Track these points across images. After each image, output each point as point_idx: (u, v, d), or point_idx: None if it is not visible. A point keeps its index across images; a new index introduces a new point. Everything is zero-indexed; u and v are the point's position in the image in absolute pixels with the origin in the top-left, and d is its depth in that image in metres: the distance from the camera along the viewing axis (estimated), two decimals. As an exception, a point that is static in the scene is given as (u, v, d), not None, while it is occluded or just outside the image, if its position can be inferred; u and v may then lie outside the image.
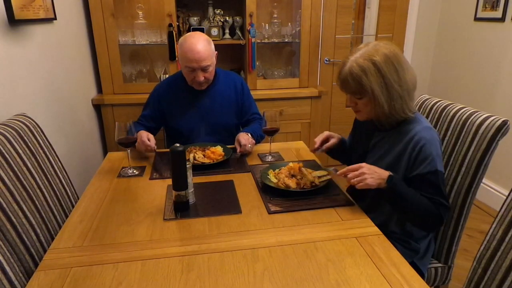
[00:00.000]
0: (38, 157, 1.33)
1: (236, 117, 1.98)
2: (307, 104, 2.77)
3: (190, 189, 1.30)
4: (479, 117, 1.31)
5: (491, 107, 2.77)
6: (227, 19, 2.72)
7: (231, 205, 1.31)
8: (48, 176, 1.36)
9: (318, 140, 1.55)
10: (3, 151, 1.15)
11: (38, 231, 1.18)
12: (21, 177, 1.19)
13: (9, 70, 1.48)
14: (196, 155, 1.64)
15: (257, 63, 2.81)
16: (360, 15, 3.40)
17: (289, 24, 2.85)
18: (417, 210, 1.20)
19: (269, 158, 1.71)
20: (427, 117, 1.55)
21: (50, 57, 1.85)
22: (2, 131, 1.19)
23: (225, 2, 2.79)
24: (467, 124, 1.35)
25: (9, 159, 1.16)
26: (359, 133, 1.52)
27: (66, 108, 2.00)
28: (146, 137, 1.67)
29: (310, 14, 2.68)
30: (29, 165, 1.25)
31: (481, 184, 1.32)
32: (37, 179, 1.28)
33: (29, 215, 1.16)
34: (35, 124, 1.40)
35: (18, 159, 1.21)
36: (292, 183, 1.37)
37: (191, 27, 2.70)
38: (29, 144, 1.30)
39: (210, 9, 2.72)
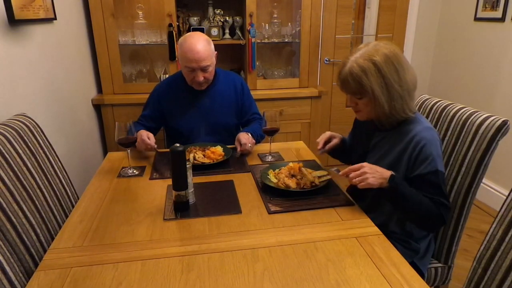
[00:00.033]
0: (38, 157, 1.33)
1: (236, 117, 1.98)
2: (307, 104, 2.77)
3: (190, 189, 1.30)
4: (479, 117, 1.31)
5: (491, 107, 2.77)
6: (227, 19, 2.72)
7: (231, 205, 1.31)
8: (48, 176, 1.36)
9: (321, 141, 1.54)
10: (3, 151, 1.15)
11: (38, 231, 1.18)
12: (21, 177, 1.19)
13: (9, 70, 1.48)
14: (196, 155, 1.64)
15: (257, 63, 2.81)
16: (360, 15, 3.40)
17: (289, 24, 2.85)
18: (418, 210, 1.20)
19: (269, 158, 1.71)
20: (427, 117, 1.55)
21: (50, 57, 1.85)
22: (2, 131, 1.19)
23: (225, 2, 2.79)
24: (467, 124, 1.35)
25: (9, 159, 1.16)
26: (359, 133, 1.52)
27: (66, 108, 2.00)
28: (146, 136, 1.67)
29: (310, 14, 2.68)
30: (29, 165, 1.25)
31: (481, 184, 1.32)
32: (37, 179, 1.28)
33: (29, 215, 1.16)
34: (35, 124, 1.40)
35: (18, 159, 1.21)
36: (292, 183, 1.37)
37: (191, 27, 2.70)
38: (29, 144, 1.30)
39: (210, 9, 2.72)
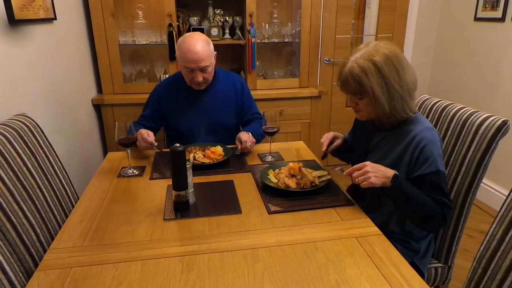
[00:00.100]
0: (38, 157, 1.33)
1: (236, 117, 1.98)
2: (307, 104, 2.77)
3: (190, 189, 1.30)
4: (479, 117, 1.31)
5: (491, 107, 2.77)
6: (227, 19, 2.72)
7: (231, 205, 1.31)
8: (48, 176, 1.36)
9: (325, 141, 1.53)
10: (3, 151, 1.15)
11: (38, 231, 1.18)
12: (21, 177, 1.19)
13: (9, 70, 1.48)
14: (196, 155, 1.64)
15: (257, 63, 2.81)
16: (360, 15, 3.40)
17: (289, 24, 2.85)
18: (421, 210, 1.19)
19: (269, 158, 1.71)
20: (427, 117, 1.55)
21: (50, 57, 1.85)
22: (2, 131, 1.19)
23: (225, 2, 2.79)
24: (467, 124, 1.35)
25: (9, 159, 1.16)
26: (359, 133, 1.52)
27: (66, 108, 2.00)
28: (146, 134, 1.67)
29: (310, 14, 2.68)
30: (29, 165, 1.25)
31: (481, 184, 1.32)
32: (37, 179, 1.28)
33: (29, 215, 1.16)
34: (35, 124, 1.40)
35: (18, 159, 1.21)
36: (292, 183, 1.37)
37: (191, 27, 2.70)
38: (29, 144, 1.30)
39: (210, 9, 2.72)
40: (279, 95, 2.70)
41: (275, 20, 2.82)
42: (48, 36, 1.83)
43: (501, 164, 2.70)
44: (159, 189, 1.43)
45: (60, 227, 1.29)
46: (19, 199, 1.14)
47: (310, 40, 2.74)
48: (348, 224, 1.19)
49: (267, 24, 2.79)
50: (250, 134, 1.76)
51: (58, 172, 1.45)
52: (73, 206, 1.43)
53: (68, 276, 0.97)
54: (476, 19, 2.87)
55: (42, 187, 1.29)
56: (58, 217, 1.34)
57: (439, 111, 1.50)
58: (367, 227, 1.17)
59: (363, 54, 1.22)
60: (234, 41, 2.75)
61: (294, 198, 1.33)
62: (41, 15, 1.69)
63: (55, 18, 1.84)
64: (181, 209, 1.27)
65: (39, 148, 1.37)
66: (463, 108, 1.41)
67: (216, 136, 1.91)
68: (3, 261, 0.97)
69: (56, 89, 1.90)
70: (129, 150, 1.58)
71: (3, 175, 1.10)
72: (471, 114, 1.35)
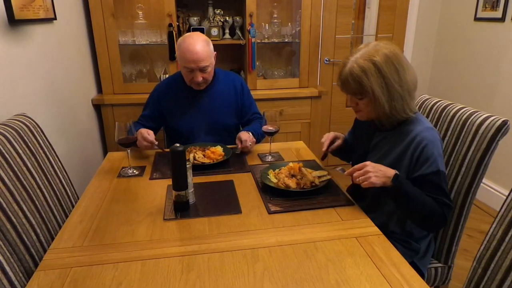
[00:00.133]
0: (38, 157, 1.33)
1: (235, 117, 1.98)
2: (307, 104, 2.77)
3: (190, 189, 1.30)
4: (479, 117, 1.31)
5: (491, 107, 2.77)
6: (227, 19, 2.72)
7: (231, 205, 1.31)
8: (48, 176, 1.36)
9: (326, 141, 1.53)
10: (3, 151, 1.15)
11: (38, 231, 1.18)
12: (21, 177, 1.19)
13: (9, 70, 1.48)
14: (196, 155, 1.64)
15: (257, 63, 2.81)
16: (360, 15, 3.40)
17: (289, 24, 2.85)
18: (422, 210, 1.19)
19: (269, 158, 1.71)
20: (427, 117, 1.55)
21: (50, 57, 1.85)
22: (2, 131, 1.19)
23: (225, 2, 2.79)
24: (467, 124, 1.35)
25: (9, 159, 1.16)
26: (359, 133, 1.52)
27: (66, 108, 2.00)
28: (146, 133, 1.67)
29: (310, 14, 2.68)
30: (29, 165, 1.25)
31: (481, 184, 1.32)
32: (37, 179, 1.28)
33: (29, 215, 1.16)
34: (35, 124, 1.40)
35: (18, 159, 1.21)
36: (292, 183, 1.37)
37: (191, 27, 2.70)
38: (29, 144, 1.30)
39: (210, 9, 2.72)
40: (279, 95, 2.70)
41: (275, 20, 2.82)
42: (48, 36, 1.83)
43: (501, 164, 2.70)
44: (159, 189, 1.43)
45: (60, 227, 1.29)
46: (19, 199, 1.14)
47: (310, 40, 2.74)
48: (348, 224, 1.19)
49: (267, 24, 2.79)
50: (251, 134, 1.76)
51: (58, 172, 1.45)
52: (73, 206, 1.43)
53: (68, 276, 0.97)
54: (476, 19, 2.87)
55: (42, 187, 1.29)
56: (58, 217, 1.34)
57: (439, 111, 1.50)
58: (367, 227, 1.17)
59: (363, 54, 1.22)
60: (234, 41, 2.76)
61: (294, 198, 1.33)
62: (41, 15, 1.69)
63: (55, 18, 1.84)
64: (181, 209, 1.27)
65: (39, 148, 1.37)
66: (463, 108, 1.41)
67: (216, 136, 1.92)
68: (3, 261, 0.97)
69: (56, 89, 1.90)
70: (129, 150, 1.58)
71: (3, 175, 1.10)
72: (471, 114, 1.35)
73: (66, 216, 1.36)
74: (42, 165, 1.34)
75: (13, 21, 1.47)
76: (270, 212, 1.26)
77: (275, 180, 1.42)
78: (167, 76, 2.49)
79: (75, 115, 2.13)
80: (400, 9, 3.23)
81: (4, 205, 1.06)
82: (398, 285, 0.93)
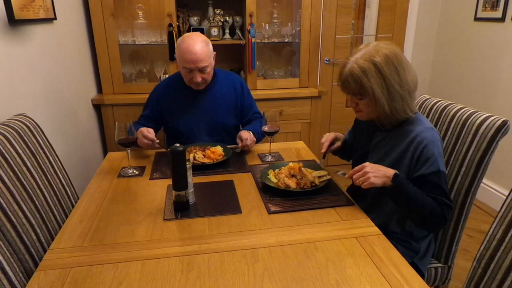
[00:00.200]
0: (38, 157, 1.33)
1: (235, 117, 1.98)
2: (307, 104, 2.77)
3: (190, 189, 1.30)
4: (479, 117, 1.31)
5: (491, 107, 2.77)
6: (227, 19, 2.72)
7: (231, 205, 1.31)
8: (48, 176, 1.36)
9: (326, 142, 1.53)
10: (3, 151, 1.15)
11: (38, 231, 1.18)
12: (21, 177, 1.19)
13: (9, 70, 1.48)
14: (196, 155, 1.64)
15: (257, 63, 2.81)
16: (360, 15, 3.40)
17: (289, 24, 2.85)
18: (422, 210, 1.19)
19: (269, 158, 1.71)
20: (427, 117, 1.55)
21: (50, 57, 1.85)
22: (2, 131, 1.19)
23: (225, 2, 2.79)
24: (467, 124, 1.35)
25: (9, 159, 1.16)
26: (360, 133, 1.52)
27: (66, 108, 2.00)
28: (146, 131, 1.67)
29: (310, 14, 2.68)
30: (29, 165, 1.25)
31: (481, 184, 1.32)
32: (37, 179, 1.28)
33: (29, 215, 1.16)
34: (35, 124, 1.40)
35: (18, 159, 1.21)
36: (292, 183, 1.37)
37: (191, 27, 2.70)
38: (29, 144, 1.30)
39: (210, 9, 2.72)
40: (279, 95, 2.70)
41: (275, 20, 2.82)
42: (48, 36, 1.83)
43: (501, 164, 2.70)
44: (159, 189, 1.43)
45: (60, 227, 1.29)
46: (19, 199, 1.14)
47: (310, 40, 2.74)
48: (348, 224, 1.19)
49: (267, 24, 2.79)
50: (251, 133, 1.76)
51: (58, 172, 1.45)
52: (73, 206, 1.43)
53: (68, 276, 0.97)
54: (476, 19, 2.87)
55: (42, 187, 1.29)
56: (58, 217, 1.34)
57: (439, 111, 1.50)
58: (367, 227, 1.17)
59: (364, 55, 1.22)
60: (234, 41, 2.76)
61: (294, 198, 1.33)
62: (41, 15, 1.69)
63: (55, 18, 1.84)
64: (181, 209, 1.27)
65: (39, 148, 1.37)
66: (463, 108, 1.41)
67: (215, 136, 1.92)
68: (3, 261, 0.97)
69: (56, 89, 1.90)
70: (129, 150, 1.58)
71: (3, 175, 1.10)
72: (471, 114, 1.35)
73: (66, 216, 1.36)
74: (42, 165, 1.34)
75: (13, 21, 1.47)
76: (270, 212, 1.26)
77: (275, 180, 1.42)
78: (167, 76, 2.49)
79: (75, 115, 2.13)
80: (400, 9, 3.23)
81: (4, 205, 1.06)
82: (398, 285, 0.93)
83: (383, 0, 3.19)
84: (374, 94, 1.21)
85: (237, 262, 1.01)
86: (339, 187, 1.43)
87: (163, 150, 1.78)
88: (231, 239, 1.12)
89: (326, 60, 3.25)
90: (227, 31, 2.78)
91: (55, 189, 1.38)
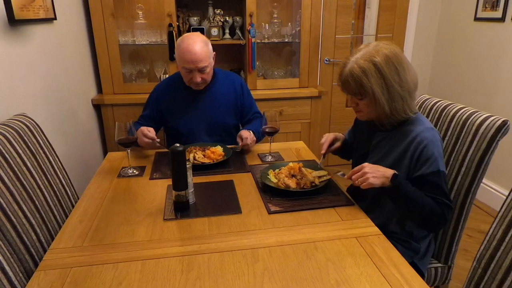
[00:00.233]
0: (38, 157, 1.33)
1: (235, 117, 1.98)
2: (307, 104, 2.77)
3: (190, 189, 1.30)
4: (479, 117, 1.31)
5: (491, 107, 2.77)
6: (227, 19, 2.72)
7: (231, 205, 1.31)
8: (48, 176, 1.36)
9: (325, 143, 1.53)
10: (3, 151, 1.15)
11: (38, 231, 1.18)
12: (21, 177, 1.19)
13: (9, 70, 1.48)
14: (196, 155, 1.64)
15: (257, 63, 2.81)
16: (360, 15, 3.40)
17: (289, 24, 2.85)
18: (422, 210, 1.19)
19: (269, 158, 1.71)
20: (427, 117, 1.55)
21: (50, 57, 1.85)
22: (2, 131, 1.19)
23: (225, 2, 2.79)
24: (467, 124, 1.35)
25: (9, 159, 1.16)
26: (360, 133, 1.52)
27: (66, 108, 2.00)
28: (147, 130, 1.67)
29: (310, 14, 2.68)
30: (29, 165, 1.25)
31: (481, 184, 1.32)
32: (37, 179, 1.28)
33: (29, 215, 1.16)
34: (35, 124, 1.40)
35: (18, 159, 1.21)
36: (292, 183, 1.37)
37: (191, 27, 2.70)
38: (29, 144, 1.30)
39: (210, 9, 2.72)
40: (279, 95, 2.70)
41: (275, 20, 2.82)
42: (48, 36, 1.83)
43: (501, 164, 2.70)
44: (159, 189, 1.43)
45: (60, 227, 1.29)
46: (19, 199, 1.14)
47: (310, 40, 2.74)
48: (348, 224, 1.19)
49: (267, 24, 2.79)
50: (251, 132, 1.76)
51: (58, 172, 1.45)
52: (73, 206, 1.43)
53: (68, 276, 0.97)
54: (476, 19, 2.87)
55: (42, 187, 1.29)
56: (58, 217, 1.34)
57: (439, 111, 1.50)
58: (367, 227, 1.17)
59: (364, 55, 1.22)
60: (234, 41, 2.76)
61: (294, 198, 1.33)
62: (41, 15, 1.69)
63: (55, 18, 1.84)
64: (181, 209, 1.27)
65: (39, 148, 1.37)
66: (463, 108, 1.41)
67: (215, 136, 1.92)
68: (3, 261, 0.97)
69: (56, 89, 1.90)
70: (129, 150, 1.58)
71: (3, 175, 1.10)
72: (471, 114, 1.35)
73: (66, 216, 1.36)
74: (42, 165, 1.34)
75: (13, 21, 1.47)
76: (270, 212, 1.26)
77: (275, 180, 1.42)
78: (167, 76, 2.49)
79: (75, 115, 2.13)
80: (400, 9, 3.23)
81: (4, 205, 1.06)
82: (398, 285, 0.93)
83: (383, 0, 3.19)
84: (374, 94, 1.21)
85: (237, 262, 1.01)
86: (339, 187, 1.43)
87: (164, 150, 1.78)
88: (231, 239, 1.12)
89: (326, 60, 3.25)
90: (227, 31, 2.78)
91: (55, 189, 1.38)
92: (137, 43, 2.60)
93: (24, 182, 1.19)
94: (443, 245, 1.42)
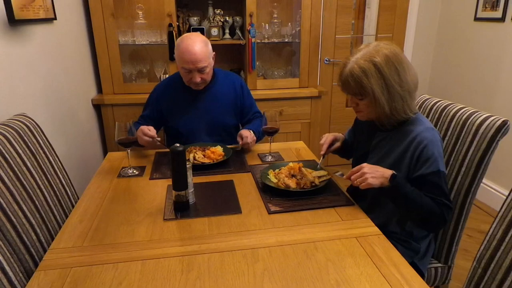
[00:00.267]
0: (38, 157, 1.33)
1: (235, 117, 1.98)
2: (307, 104, 2.77)
3: (190, 189, 1.30)
4: (479, 117, 1.31)
5: (491, 107, 2.77)
6: (227, 19, 2.72)
7: (231, 205, 1.31)
8: (48, 176, 1.36)
9: (325, 144, 1.53)
10: (3, 151, 1.15)
11: (38, 231, 1.18)
12: (21, 177, 1.19)
13: (9, 70, 1.48)
14: (196, 155, 1.64)
15: (257, 63, 2.81)
16: (360, 15, 3.40)
17: (289, 24, 2.85)
18: (421, 210, 1.19)
19: (269, 158, 1.71)
20: (427, 117, 1.55)
21: (50, 57, 1.85)
22: (2, 131, 1.19)
23: (225, 2, 2.79)
24: (467, 124, 1.35)
25: (9, 159, 1.16)
26: (360, 133, 1.52)
27: (66, 108, 2.00)
28: (147, 128, 1.67)
29: (310, 14, 2.68)
30: (29, 165, 1.25)
31: (481, 184, 1.32)
32: (37, 179, 1.28)
33: (29, 215, 1.16)
34: (35, 124, 1.40)
35: (18, 159, 1.21)
36: (292, 183, 1.37)
37: (191, 27, 2.70)
38: (29, 144, 1.30)
39: (210, 9, 2.72)
40: (279, 95, 2.70)
41: (275, 20, 2.82)
42: (48, 36, 1.83)
43: (501, 164, 2.70)
44: (159, 189, 1.43)
45: (60, 227, 1.29)
46: (19, 199, 1.14)
47: (310, 40, 2.74)
48: (348, 224, 1.19)
49: (267, 24, 2.79)
50: (251, 132, 1.76)
51: (58, 172, 1.45)
52: (73, 206, 1.43)
53: (68, 276, 0.97)
54: (476, 19, 2.87)
55: (42, 187, 1.29)
56: (58, 217, 1.34)
57: (439, 111, 1.50)
58: (367, 227, 1.17)
59: (364, 55, 1.22)
60: (234, 41, 2.75)
61: (294, 198, 1.33)
62: (41, 15, 1.69)
63: (55, 18, 1.84)
64: (181, 209, 1.27)
65: (39, 148, 1.37)
66: (463, 108, 1.41)
67: (215, 136, 1.92)
68: (3, 261, 0.97)
69: (56, 89, 1.90)
70: (129, 150, 1.58)
71: (3, 175, 1.10)
72: (471, 114, 1.35)
73: (66, 216, 1.36)
74: (42, 165, 1.34)
75: (13, 21, 1.47)
76: (270, 212, 1.26)
77: (275, 180, 1.42)
78: (167, 76, 2.49)
79: (75, 115, 2.13)
80: (400, 9, 3.23)
81: (4, 205, 1.06)
82: (398, 285, 0.93)
83: (383, 0, 3.19)
84: (374, 94, 1.21)
85: (237, 262, 1.01)
86: (339, 187, 1.43)
87: (165, 150, 1.78)
88: (231, 239, 1.12)
89: (326, 60, 3.25)
90: (227, 31, 2.78)
91: (55, 189, 1.38)
92: (137, 43, 2.60)
93: (24, 182, 1.19)
94: (443, 245, 1.42)
